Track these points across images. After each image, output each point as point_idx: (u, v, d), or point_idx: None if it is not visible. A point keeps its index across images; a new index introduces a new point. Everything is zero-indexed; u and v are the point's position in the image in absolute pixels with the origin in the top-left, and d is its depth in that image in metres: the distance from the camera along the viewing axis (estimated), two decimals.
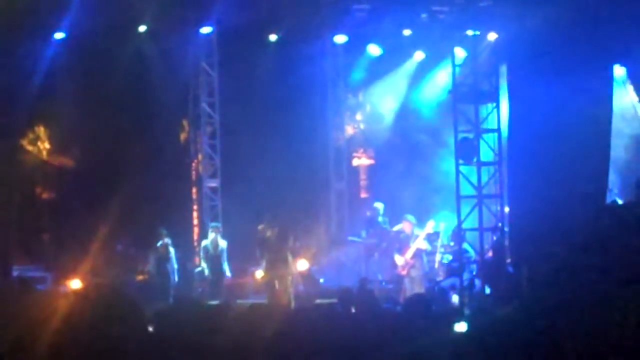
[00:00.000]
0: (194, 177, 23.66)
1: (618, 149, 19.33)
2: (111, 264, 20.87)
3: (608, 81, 17.83)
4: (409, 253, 19.59)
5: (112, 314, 9.86)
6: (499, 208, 18.89)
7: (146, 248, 21.01)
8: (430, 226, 20.03)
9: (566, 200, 16.54)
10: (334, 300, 14.74)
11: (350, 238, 22.22)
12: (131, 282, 20.72)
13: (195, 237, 23.17)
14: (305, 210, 22.71)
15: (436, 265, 20.29)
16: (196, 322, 9.91)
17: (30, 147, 22.53)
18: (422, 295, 15.14)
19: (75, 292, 16.99)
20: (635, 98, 20.66)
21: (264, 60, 22.60)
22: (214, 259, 20.31)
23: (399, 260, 19.63)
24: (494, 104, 18.38)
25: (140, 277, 21.33)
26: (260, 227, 19.05)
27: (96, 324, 9.64)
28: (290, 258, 18.94)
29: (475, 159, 18.22)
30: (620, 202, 18.15)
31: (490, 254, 18.58)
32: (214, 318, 10.40)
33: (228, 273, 20.41)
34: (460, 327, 10.26)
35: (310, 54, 22.67)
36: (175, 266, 20.43)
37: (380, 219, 21.60)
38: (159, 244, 20.32)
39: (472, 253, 19.12)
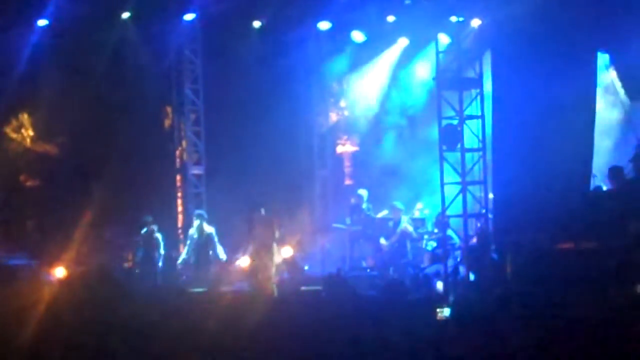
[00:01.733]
0: (178, 164, 23.57)
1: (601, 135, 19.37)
2: (96, 251, 20.80)
3: (592, 67, 17.86)
4: (395, 237, 19.86)
5: (99, 295, 9.86)
6: (483, 194, 18.89)
7: (131, 235, 20.95)
8: (418, 208, 20.13)
9: (550, 187, 16.58)
10: (319, 287, 14.79)
11: (334, 225, 22.17)
12: (117, 270, 20.66)
13: (180, 224, 23.12)
14: (289, 198, 22.66)
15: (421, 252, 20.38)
16: (180, 309, 9.91)
17: (13, 135, 22.44)
18: (399, 280, 15.15)
19: (60, 281, 17.01)
20: (618, 84, 20.69)
21: (247, 47, 22.52)
22: (199, 247, 20.26)
23: (384, 242, 19.88)
24: (478, 90, 18.37)
25: (125, 265, 21.29)
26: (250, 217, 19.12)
27: (82, 309, 9.63)
28: (275, 247, 18.97)
29: (459, 145, 18.23)
30: (604, 188, 18.16)
31: (474, 240, 18.60)
32: (199, 305, 10.41)
33: (223, 256, 20.26)
34: (444, 313, 10.30)
35: (293, 40, 22.57)
36: (162, 252, 20.39)
37: (364, 205, 21.55)
38: (143, 231, 20.29)
39: (456, 240, 19.14)
